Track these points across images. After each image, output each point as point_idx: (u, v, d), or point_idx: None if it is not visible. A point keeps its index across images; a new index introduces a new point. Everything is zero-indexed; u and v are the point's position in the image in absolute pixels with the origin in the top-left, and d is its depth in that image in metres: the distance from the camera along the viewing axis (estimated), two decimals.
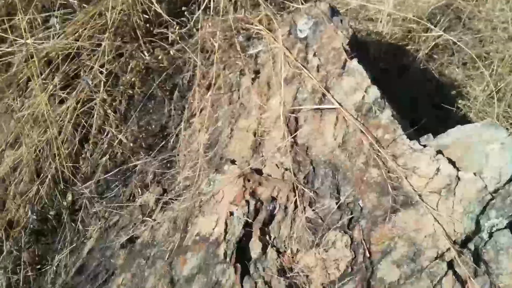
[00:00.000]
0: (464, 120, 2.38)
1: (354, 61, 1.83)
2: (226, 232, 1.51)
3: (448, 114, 2.37)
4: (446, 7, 2.76)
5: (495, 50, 2.60)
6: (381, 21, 2.53)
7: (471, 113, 2.41)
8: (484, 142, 1.50)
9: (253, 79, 2.08)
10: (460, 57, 2.58)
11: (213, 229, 1.55)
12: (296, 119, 1.82)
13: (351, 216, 1.49)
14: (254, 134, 1.85)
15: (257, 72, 2.11)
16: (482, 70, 2.46)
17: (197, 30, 2.46)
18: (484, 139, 1.51)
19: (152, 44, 2.41)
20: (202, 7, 2.52)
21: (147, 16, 2.47)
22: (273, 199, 1.58)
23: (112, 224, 1.88)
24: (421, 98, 2.41)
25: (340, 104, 1.75)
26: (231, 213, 1.54)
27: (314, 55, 1.96)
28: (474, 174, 1.43)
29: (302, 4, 2.56)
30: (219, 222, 1.55)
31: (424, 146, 1.57)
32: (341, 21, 2.02)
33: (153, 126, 2.19)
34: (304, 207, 1.54)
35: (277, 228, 1.53)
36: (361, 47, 2.38)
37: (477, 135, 1.53)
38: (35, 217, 1.89)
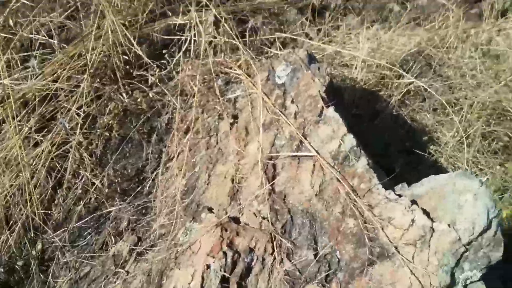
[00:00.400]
0: (436, 165, 2.44)
1: (331, 109, 1.87)
2: (202, 287, 1.48)
3: (420, 159, 2.42)
4: (418, 54, 2.87)
5: (464, 97, 2.70)
6: (355, 67, 2.61)
7: (442, 158, 2.47)
8: (458, 193, 1.53)
9: (231, 124, 2.09)
10: (431, 103, 2.66)
11: (189, 283, 1.51)
12: (274, 166, 1.82)
13: (329, 270, 1.49)
14: (232, 181, 1.84)
15: (235, 117, 2.12)
16: (452, 116, 2.54)
17: (177, 73, 2.49)
18: (457, 189, 1.54)
19: (131, 86, 2.42)
20: (182, 50, 2.56)
21: (127, 58, 2.48)
22: (251, 250, 1.56)
23: (83, 275, 1.81)
24: (393, 143, 2.46)
25: (317, 151, 1.78)
26: (208, 266, 1.51)
27: (292, 101, 1.99)
28: (448, 225, 1.46)
29: (280, 49, 2.64)
30: (196, 276, 1.51)
31: (399, 195, 1.59)
32: (319, 68, 2.07)
33: (129, 170, 2.16)
34: (282, 259, 1.53)
35: (254, 281, 1.51)
36: (336, 93, 2.44)
37: (451, 185, 1.56)
38: (1, 269, 1.81)
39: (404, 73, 2.63)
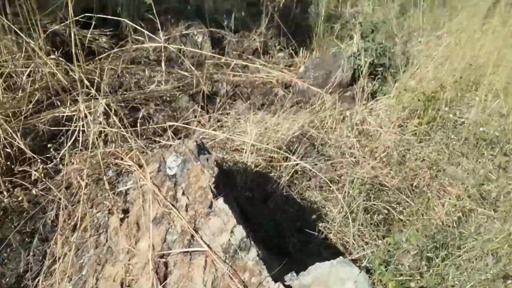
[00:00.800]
0: (325, 242, 2.58)
1: (220, 201, 1.93)
2: None
3: (310, 237, 2.56)
4: (302, 136, 3.11)
5: (345, 174, 2.95)
6: (245, 152, 2.74)
7: (331, 234, 2.63)
8: (341, 281, 1.64)
9: (122, 219, 2.05)
10: (317, 181, 2.86)
11: None
12: (166, 264, 1.81)
13: None
14: (122, 284, 1.78)
15: (126, 211, 2.09)
16: (336, 194, 2.75)
17: (64, 165, 2.40)
18: (340, 277, 1.65)
19: (13, 183, 2.27)
20: (70, 142, 2.50)
21: (8, 150, 2.35)
22: None
23: None
24: (285, 223, 2.57)
25: (208, 246, 1.80)
26: None
27: (183, 193, 2.02)
28: None
29: (172, 138, 2.70)
30: None
31: (289, 287, 1.66)
32: (207, 159, 2.14)
33: (8, 278, 1.97)
34: None
35: None
36: (229, 177, 2.52)
37: (334, 273, 1.68)
38: None
39: (290, 155, 2.82)
